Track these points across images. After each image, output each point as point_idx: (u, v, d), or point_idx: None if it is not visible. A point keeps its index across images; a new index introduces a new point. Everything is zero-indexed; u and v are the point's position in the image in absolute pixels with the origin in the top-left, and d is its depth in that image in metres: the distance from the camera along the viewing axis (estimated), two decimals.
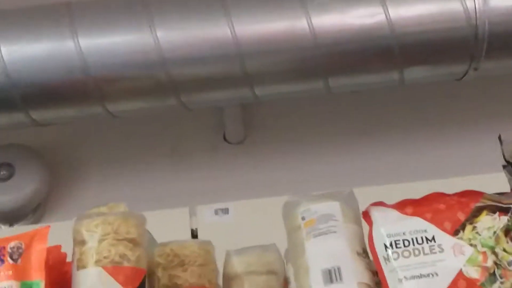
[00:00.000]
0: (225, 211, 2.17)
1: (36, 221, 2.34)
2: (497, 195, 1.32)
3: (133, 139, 2.43)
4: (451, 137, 2.32)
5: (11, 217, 2.31)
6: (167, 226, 1.95)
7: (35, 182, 2.32)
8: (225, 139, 2.44)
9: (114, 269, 1.33)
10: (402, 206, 1.32)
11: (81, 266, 1.34)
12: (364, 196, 1.40)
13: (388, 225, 1.30)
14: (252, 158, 2.40)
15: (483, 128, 2.03)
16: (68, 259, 1.41)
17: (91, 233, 1.36)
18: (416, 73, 1.95)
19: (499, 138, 1.37)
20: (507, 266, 1.25)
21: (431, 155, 2.30)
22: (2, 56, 1.89)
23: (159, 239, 1.57)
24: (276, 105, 2.39)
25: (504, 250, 1.26)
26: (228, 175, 2.37)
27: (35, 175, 2.32)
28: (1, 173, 2.29)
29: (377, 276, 1.30)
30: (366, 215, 1.35)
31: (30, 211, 2.36)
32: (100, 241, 1.35)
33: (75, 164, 2.42)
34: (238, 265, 1.54)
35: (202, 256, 1.53)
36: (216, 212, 2.17)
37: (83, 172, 2.41)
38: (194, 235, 2.09)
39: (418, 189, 1.39)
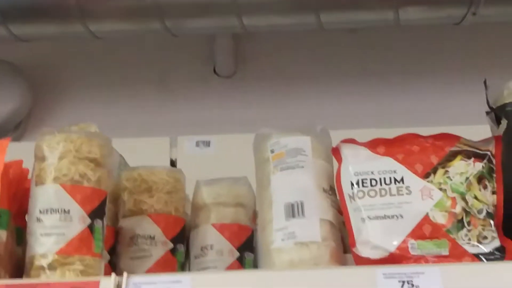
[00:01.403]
0: (207, 143, 2.13)
1: (16, 139, 2.30)
2: (474, 141, 1.27)
3: (120, 64, 2.37)
4: (441, 84, 2.25)
5: None
6: (147, 154, 1.91)
7: (16, 99, 2.26)
8: (215, 71, 2.38)
9: (72, 188, 1.29)
10: (374, 145, 1.28)
11: (39, 182, 1.30)
12: (342, 138, 1.35)
13: (357, 163, 1.25)
14: (240, 92, 2.35)
15: (475, 77, 1.96)
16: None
17: (51, 150, 1.32)
18: (411, 13, 1.87)
19: (485, 82, 1.31)
20: (477, 214, 1.20)
21: (419, 102, 2.24)
22: None
23: None
24: (269, 40, 2.33)
25: (476, 197, 1.21)
26: (214, 108, 2.33)
27: (16, 92, 2.27)
28: None
29: (342, 215, 1.26)
30: (336, 151, 1.30)
31: (11, 129, 2.31)
32: (60, 158, 1.31)
33: (58, 84, 2.37)
34: (207, 195, 1.51)
35: (170, 184, 1.50)
36: (197, 144, 2.13)
37: (66, 92, 2.36)
38: (173, 165, 2.05)
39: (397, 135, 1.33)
